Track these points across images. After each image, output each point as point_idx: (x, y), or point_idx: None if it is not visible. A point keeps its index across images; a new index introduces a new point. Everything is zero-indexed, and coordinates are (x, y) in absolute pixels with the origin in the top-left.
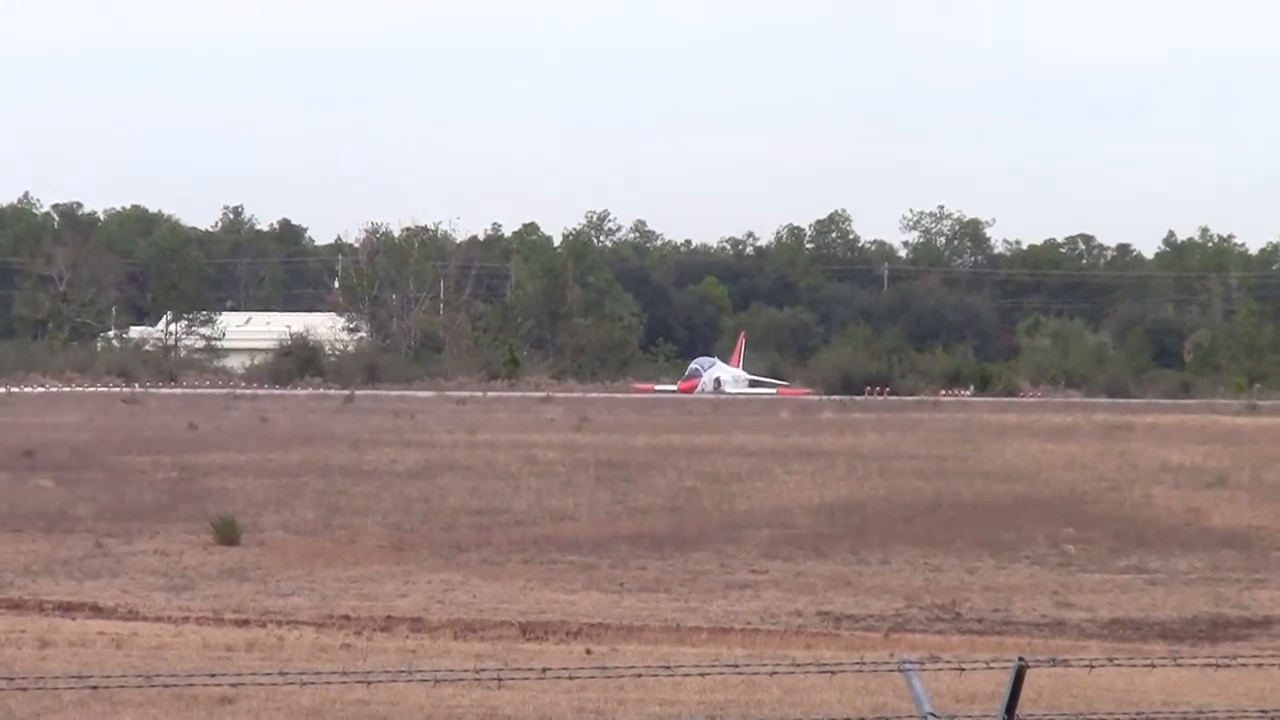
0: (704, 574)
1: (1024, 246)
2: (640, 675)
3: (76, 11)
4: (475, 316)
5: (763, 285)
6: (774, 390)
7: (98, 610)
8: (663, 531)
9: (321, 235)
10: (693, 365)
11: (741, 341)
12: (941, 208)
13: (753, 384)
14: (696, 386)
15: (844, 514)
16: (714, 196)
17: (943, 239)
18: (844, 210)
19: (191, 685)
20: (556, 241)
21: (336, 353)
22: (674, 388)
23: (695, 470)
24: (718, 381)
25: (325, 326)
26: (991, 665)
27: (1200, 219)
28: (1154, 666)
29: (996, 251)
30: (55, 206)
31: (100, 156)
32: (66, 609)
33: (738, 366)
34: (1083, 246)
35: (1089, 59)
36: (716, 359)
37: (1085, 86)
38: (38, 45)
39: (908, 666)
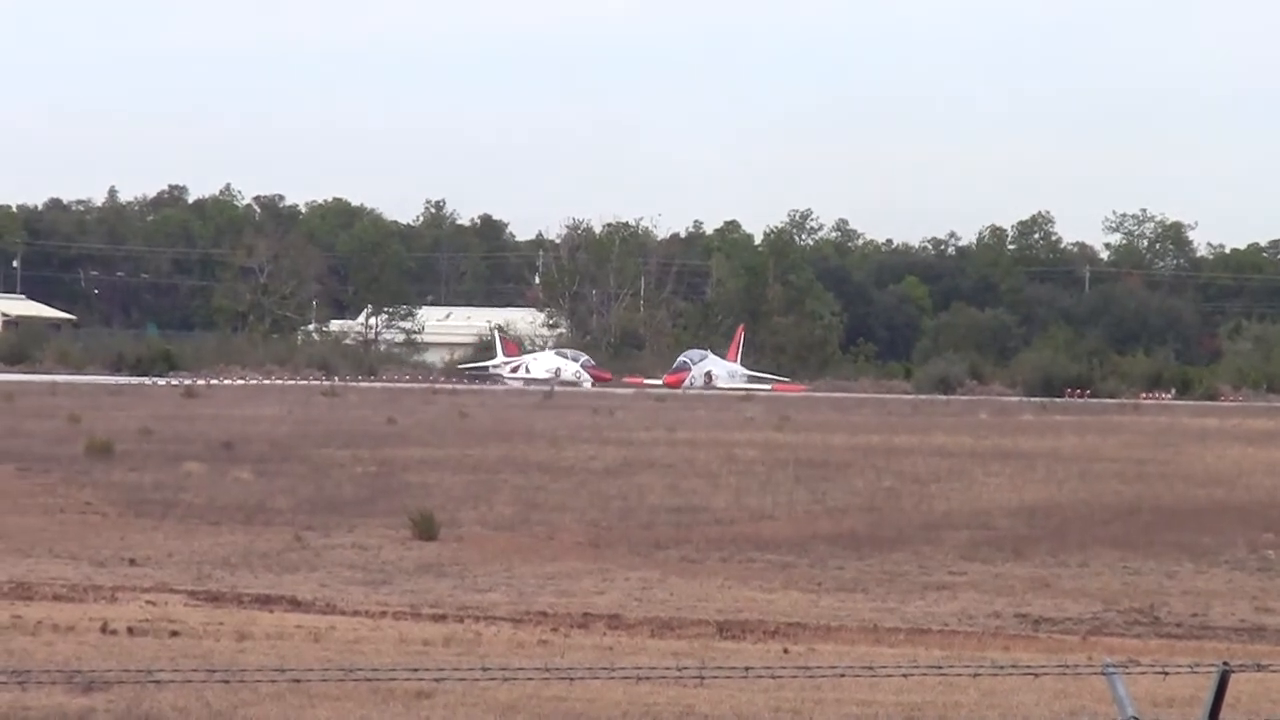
0: (902, 575)
1: (1227, 250)
2: (842, 675)
3: (285, 6)
4: (675, 314)
5: (964, 285)
6: (769, 386)
7: (295, 603)
8: (861, 531)
9: (522, 231)
10: (681, 358)
11: (740, 335)
12: (1144, 210)
13: (751, 379)
14: (684, 380)
15: (1043, 516)
16: (916, 196)
17: (1145, 242)
18: (1047, 211)
19: (392, 679)
20: (758, 240)
21: (537, 348)
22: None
23: (894, 470)
24: (709, 375)
25: (525, 322)
26: (1195, 670)
27: None
28: None
29: (1199, 255)
30: (257, 198)
31: (302, 149)
32: (264, 602)
33: (735, 360)
34: None
35: None
36: (709, 352)
37: None
38: (241, 39)
39: (1110, 670)
